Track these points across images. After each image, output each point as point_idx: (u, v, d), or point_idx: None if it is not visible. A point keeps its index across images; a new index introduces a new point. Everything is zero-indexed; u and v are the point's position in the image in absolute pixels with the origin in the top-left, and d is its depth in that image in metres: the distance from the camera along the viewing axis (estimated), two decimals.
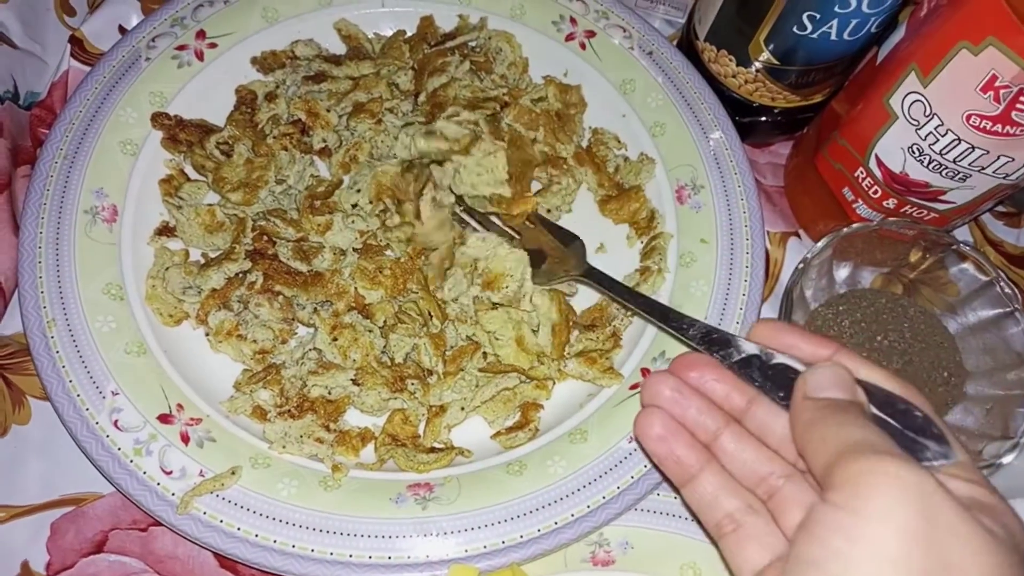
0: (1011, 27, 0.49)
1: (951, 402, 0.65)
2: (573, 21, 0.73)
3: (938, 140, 0.57)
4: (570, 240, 0.64)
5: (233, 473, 0.54)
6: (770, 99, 0.70)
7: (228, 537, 0.52)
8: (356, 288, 0.60)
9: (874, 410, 0.38)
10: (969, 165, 0.57)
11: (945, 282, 0.68)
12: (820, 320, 0.67)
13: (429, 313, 0.60)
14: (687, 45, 0.74)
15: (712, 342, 0.45)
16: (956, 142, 0.56)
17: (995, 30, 0.50)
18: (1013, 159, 0.56)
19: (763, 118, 0.73)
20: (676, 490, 0.45)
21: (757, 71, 0.68)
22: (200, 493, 0.53)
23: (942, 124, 0.56)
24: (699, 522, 0.44)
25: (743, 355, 0.42)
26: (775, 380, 0.41)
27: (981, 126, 0.54)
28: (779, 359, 0.41)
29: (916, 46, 0.57)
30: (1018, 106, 0.51)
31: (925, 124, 0.57)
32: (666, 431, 0.42)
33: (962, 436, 0.63)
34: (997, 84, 0.51)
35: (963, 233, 0.76)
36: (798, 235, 0.73)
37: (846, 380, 0.38)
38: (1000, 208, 0.77)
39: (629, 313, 0.65)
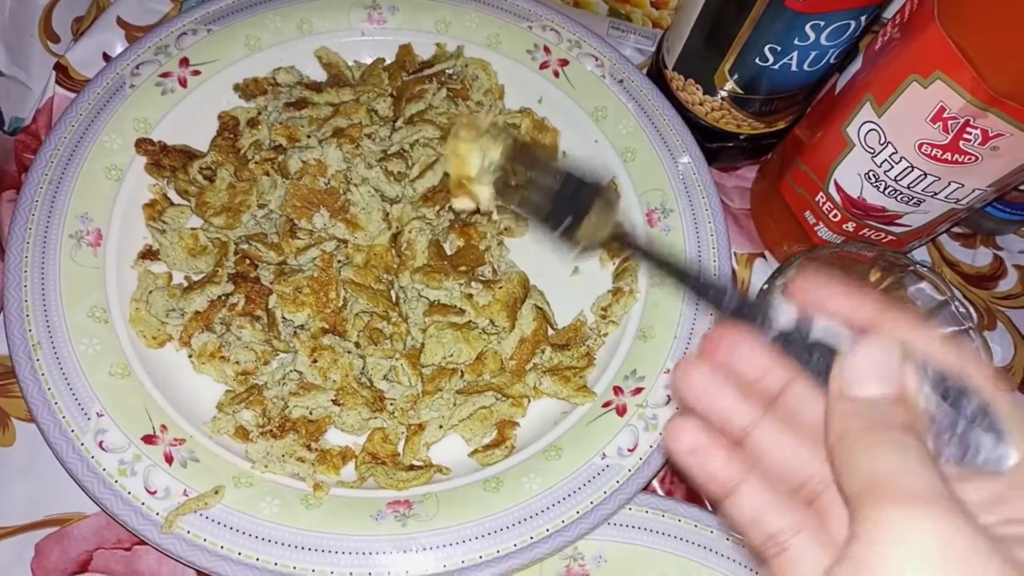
0: (956, 63, 0.52)
1: None
2: (547, 50, 0.76)
3: (892, 167, 0.60)
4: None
5: (216, 492, 0.55)
6: (735, 126, 0.73)
7: (212, 555, 0.53)
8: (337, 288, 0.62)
9: (922, 399, 0.32)
10: (922, 191, 0.60)
11: (903, 301, 0.71)
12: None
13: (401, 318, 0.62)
14: (656, 73, 0.77)
15: (748, 310, 0.37)
16: (909, 169, 0.59)
17: (941, 65, 0.53)
18: (963, 185, 0.59)
19: (729, 144, 0.76)
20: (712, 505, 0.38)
21: (723, 99, 0.71)
22: (184, 512, 0.54)
23: (896, 152, 0.59)
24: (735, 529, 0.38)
25: (784, 326, 0.35)
26: (819, 358, 0.34)
27: (932, 154, 0.57)
28: (823, 329, 0.34)
29: (871, 77, 0.60)
30: (965, 136, 0.54)
31: (880, 152, 0.60)
32: (697, 443, 0.37)
33: None
34: (945, 115, 0.54)
35: (922, 254, 0.79)
36: (764, 256, 0.76)
37: (891, 367, 0.32)
38: (956, 230, 0.81)
39: (603, 333, 0.67)
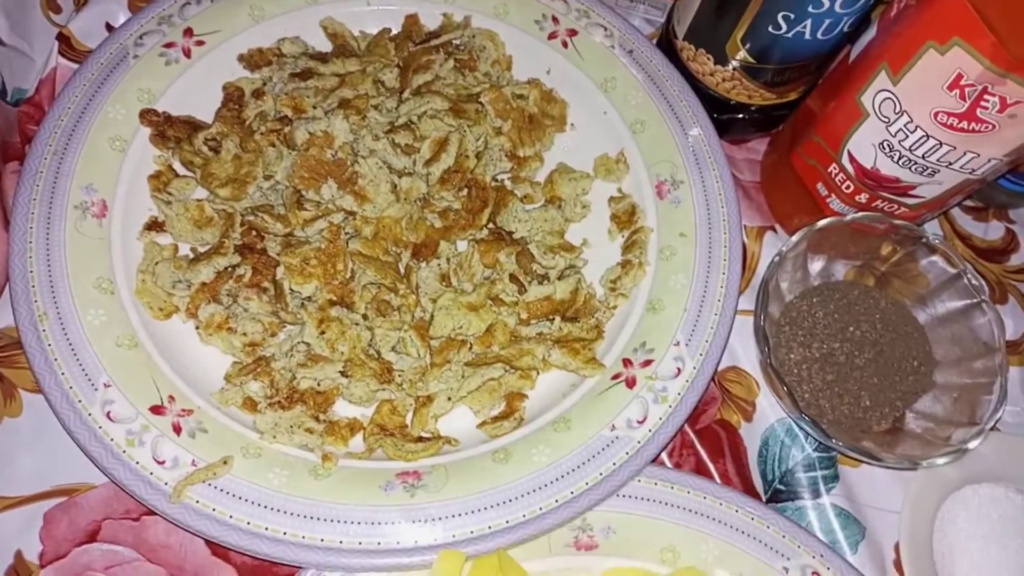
0: (975, 28, 0.51)
1: (921, 390, 0.68)
2: (555, 20, 0.75)
3: (907, 136, 0.59)
4: None
5: (225, 462, 0.55)
6: (747, 97, 0.72)
7: (220, 525, 0.53)
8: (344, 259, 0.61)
9: None
10: (937, 161, 0.59)
11: (915, 274, 0.70)
12: (795, 311, 0.69)
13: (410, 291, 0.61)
14: (666, 44, 0.75)
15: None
16: (925, 138, 0.58)
17: (960, 31, 0.52)
18: (979, 155, 0.58)
19: (740, 115, 0.75)
20: None
21: (734, 69, 0.70)
22: (193, 482, 0.54)
23: (911, 121, 0.58)
24: None
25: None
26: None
27: (948, 123, 0.56)
28: None
29: (886, 45, 0.59)
30: (983, 103, 0.54)
31: (895, 121, 0.59)
32: None
33: (931, 423, 0.66)
34: (963, 83, 0.53)
35: (933, 227, 0.78)
36: (774, 229, 0.75)
37: None
38: (969, 203, 0.80)
39: (612, 305, 0.66)
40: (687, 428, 0.66)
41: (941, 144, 0.58)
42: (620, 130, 0.72)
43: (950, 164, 0.59)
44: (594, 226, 0.70)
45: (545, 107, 0.72)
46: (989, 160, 0.58)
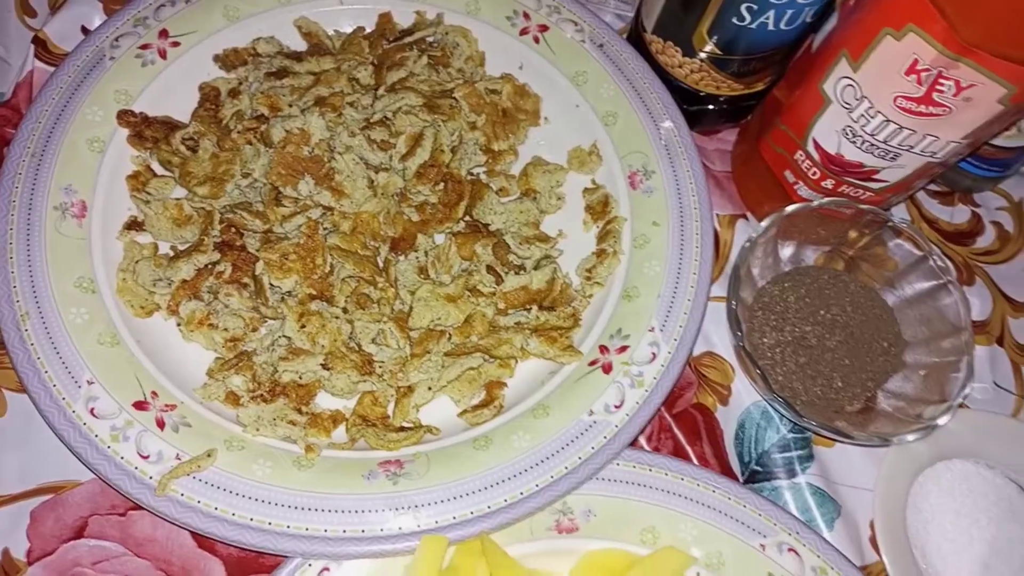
0: (928, 14, 0.52)
1: (891, 370, 0.69)
2: (527, 16, 0.76)
3: (869, 122, 0.61)
4: None
5: (209, 455, 0.56)
6: (715, 88, 0.74)
7: (206, 517, 0.54)
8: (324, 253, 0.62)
9: None
10: (898, 145, 0.61)
11: (883, 258, 0.72)
12: (767, 296, 0.71)
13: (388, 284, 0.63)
14: (636, 38, 0.77)
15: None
16: (885, 123, 0.60)
17: (914, 17, 0.53)
18: (938, 138, 0.60)
19: (710, 106, 0.76)
20: None
21: (702, 61, 0.71)
22: (177, 475, 0.55)
23: (872, 106, 0.60)
24: None
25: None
26: None
27: (907, 107, 0.58)
28: None
29: (846, 33, 0.60)
30: (939, 87, 0.55)
31: (856, 107, 0.61)
32: None
33: (902, 402, 0.67)
34: (919, 67, 0.55)
35: (900, 212, 0.80)
36: (746, 217, 0.77)
37: None
38: (935, 188, 0.82)
39: (588, 294, 0.68)
40: (664, 412, 0.68)
41: (901, 128, 0.60)
42: (592, 123, 0.74)
43: (911, 148, 0.61)
44: (569, 217, 0.72)
45: (518, 101, 0.74)
46: (948, 143, 0.60)
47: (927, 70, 0.55)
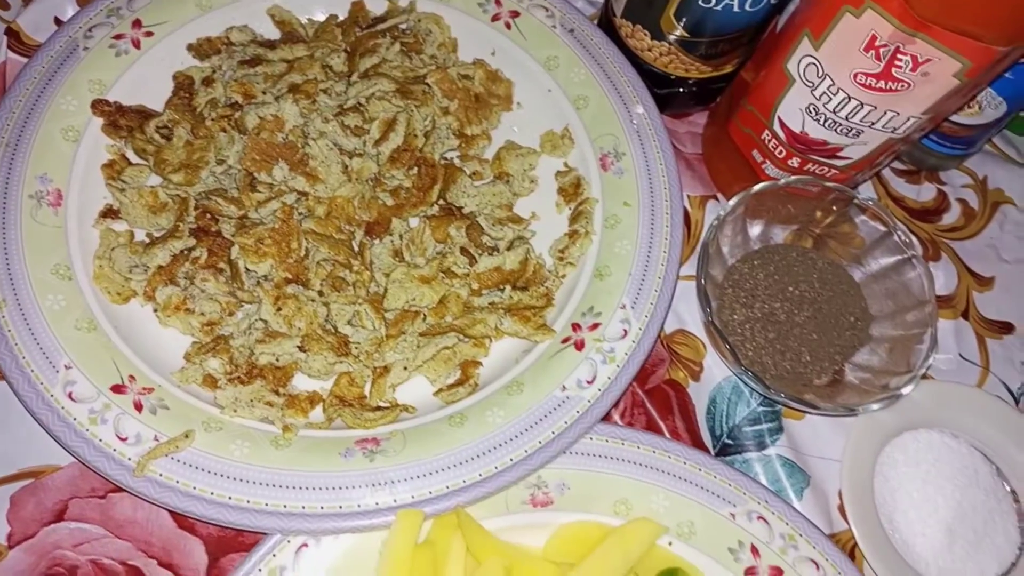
0: None
1: (858, 344, 0.71)
2: (498, 2, 0.77)
3: (831, 99, 0.62)
4: None
5: (187, 436, 0.56)
6: (684, 71, 0.75)
7: (185, 496, 0.55)
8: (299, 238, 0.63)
9: None
10: (860, 121, 0.63)
11: (850, 234, 0.73)
12: (737, 274, 0.72)
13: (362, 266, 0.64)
14: (606, 23, 0.78)
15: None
16: (847, 100, 0.61)
17: None
18: (898, 113, 0.61)
19: (680, 89, 0.78)
20: None
21: (670, 44, 0.72)
22: (156, 456, 0.55)
23: (833, 84, 0.61)
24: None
25: None
26: None
27: (867, 83, 0.59)
28: None
29: (808, 13, 0.62)
30: (896, 63, 0.57)
31: (819, 85, 0.62)
32: None
33: (868, 374, 0.69)
34: (877, 43, 0.56)
35: (867, 190, 0.81)
36: (716, 198, 0.78)
37: None
38: (901, 167, 0.83)
39: (561, 274, 0.69)
40: (637, 389, 0.69)
41: (862, 105, 0.61)
42: (564, 106, 0.75)
43: (872, 124, 0.63)
44: (542, 200, 0.73)
45: (491, 87, 0.75)
46: (908, 119, 0.62)
47: (885, 46, 0.56)
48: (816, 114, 0.64)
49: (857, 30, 0.57)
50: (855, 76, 0.59)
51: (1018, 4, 0.50)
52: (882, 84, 0.59)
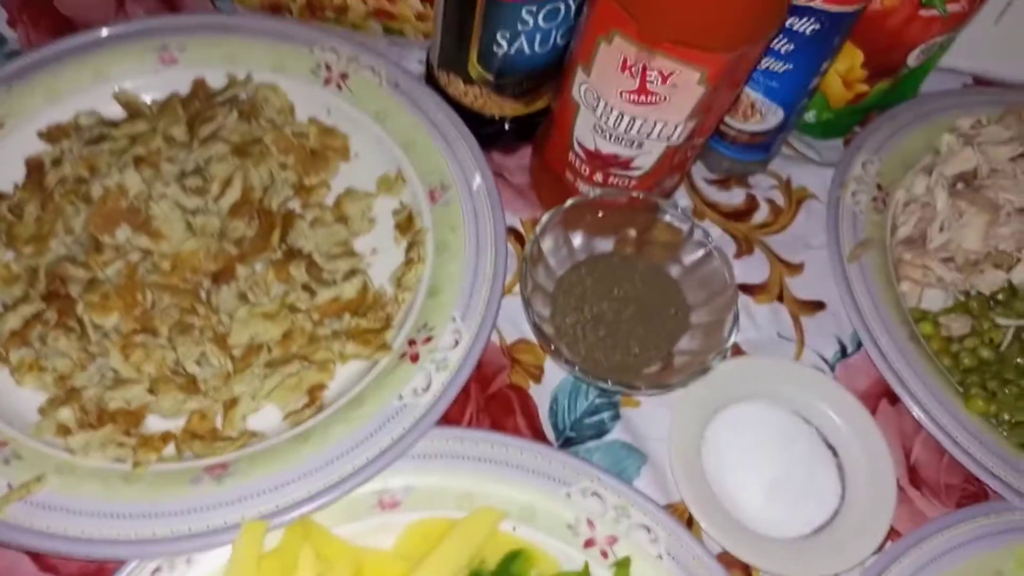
0: (623, 19, 0.63)
1: (680, 332, 0.78)
2: (328, 68, 0.85)
3: (608, 117, 0.71)
4: None
5: (39, 480, 0.60)
6: (499, 110, 0.84)
7: (40, 536, 0.58)
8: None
9: None
10: (637, 133, 0.71)
11: (662, 237, 0.82)
12: (567, 283, 0.80)
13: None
14: (428, 74, 0.87)
15: None
16: (620, 116, 0.70)
17: (614, 23, 0.64)
18: (666, 122, 0.70)
19: (501, 127, 0.86)
20: None
21: (481, 87, 0.81)
22: (10, 501, 0.59)
23: (607, 104, 0.70)
24: None
25: None
26: None
27: (631, 99, 0.68)
28: None
29: (577, 46, 0.71)
30: (648, 78, 0.66)
31: (598, 106, 0.71)
32: None
33: (691, 357, 0.76)
34: (628, 63, 0.65)
35: (685, 200, 0.90)
36: None
37: None
38: (713, 176, 0.93)
39: (400, 300, 0.75)
40: (479, 395, 0.75)
41: (634, 119, 0.70)
42: (395, 152, 0.82)
43: (648, 134, 0.71)
44: (382, 236, 0.79)
45: (326, 140, 0.82)
46: (677, 126, 0.70)
47: (635, 65, 0.65)
48: (602, 132, 0.73)
49: (612, 55, 0.66)
50: (620, 94, 0.68)
51: (720, 20, 0.60)
52: (643, 98, 0.68)
